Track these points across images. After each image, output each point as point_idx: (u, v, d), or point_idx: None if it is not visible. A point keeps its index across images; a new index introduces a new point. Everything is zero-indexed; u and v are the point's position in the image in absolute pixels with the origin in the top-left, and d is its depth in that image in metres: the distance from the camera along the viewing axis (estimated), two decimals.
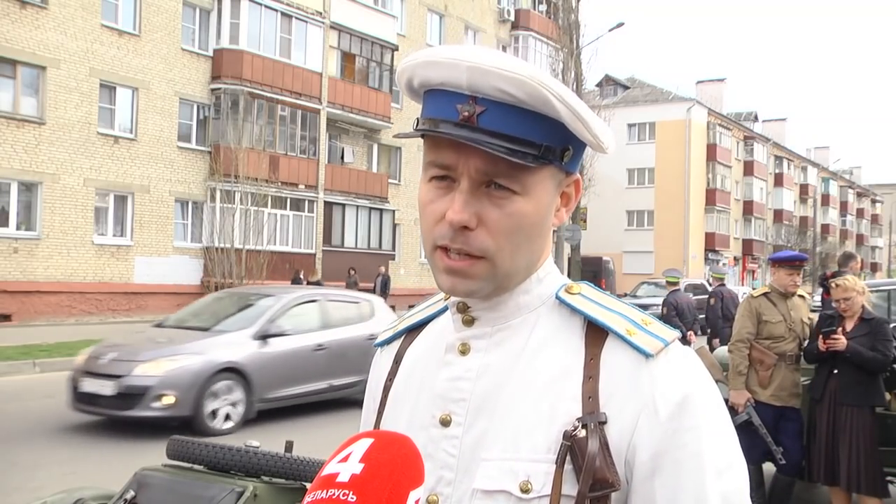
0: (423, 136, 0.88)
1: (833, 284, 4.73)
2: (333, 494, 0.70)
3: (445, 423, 0.89)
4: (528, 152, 0.83)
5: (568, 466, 0.81)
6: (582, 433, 0.81)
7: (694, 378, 0.85)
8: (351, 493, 0.70)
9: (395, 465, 0.73)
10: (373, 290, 21.34)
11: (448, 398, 0.90)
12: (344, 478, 0.71)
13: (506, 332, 0.91)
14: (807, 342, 4.89)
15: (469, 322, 0.93)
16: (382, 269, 22.91)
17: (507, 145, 0.82)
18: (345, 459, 0.73)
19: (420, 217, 0.91)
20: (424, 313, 1.04)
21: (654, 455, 0.81)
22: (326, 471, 0.73)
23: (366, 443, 0.75)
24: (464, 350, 0.92)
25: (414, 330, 1.04)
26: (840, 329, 4.57)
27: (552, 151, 0.86)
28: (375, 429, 0.99)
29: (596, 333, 0.88)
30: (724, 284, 11.15)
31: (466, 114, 0.83)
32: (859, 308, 4.62)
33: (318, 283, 21.23)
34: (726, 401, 4.87)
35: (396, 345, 1.05)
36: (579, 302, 0.90)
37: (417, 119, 0.90)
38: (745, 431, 4.74)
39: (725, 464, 0.82)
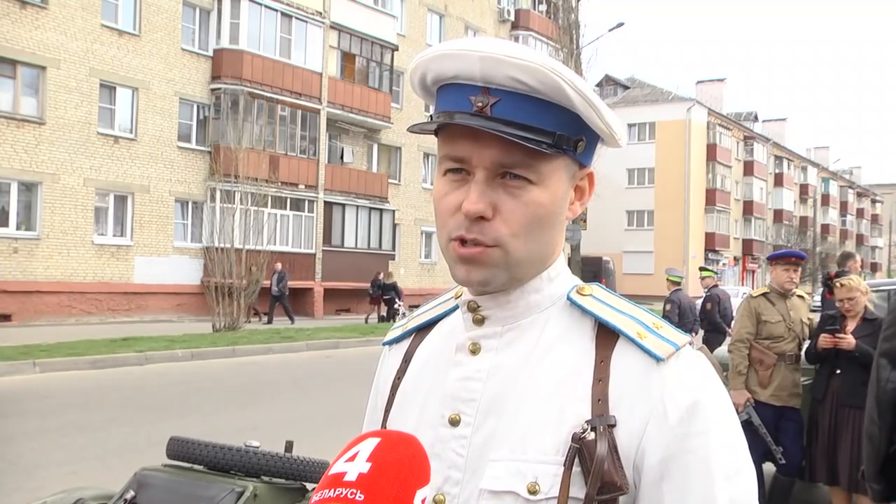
0: (436, 131, 0.89)
1: (837, 284, 4.70)
2: (341, 493, 0.70)
3: (454, 422, 0.89)
4: (543, 140, 0.84)
5: (576, 469, 0.81)
6: (591, 436, 0.81)
7: (704, 383, 0.85)
8: (359, 492, 0.70)
9: (402, 464, 0.73)
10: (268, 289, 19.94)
11: (458, 398, 0.90)
12: (351, 477, 0.71)
13: (516, 332, 0.91)
14: (808, 342, 4.87)
15: (480, 321, 0.92)
16: (279, 265, 20.04)
17: (521, 133, 0.82)
18: (352, 458, 0.73)
19: (435, 211, 0.91)
20: (434, 312, 1.04)
21: (662, 459, 0.81)
22: (334, 470, 0.73)
23: (373, 442, 0.75)
24: (474, 350, 0.91)
25: (423, 329, 1.04)
26: (845, 329, 4.53)
27: (566, 141, 0.86)
28: (383, 427, 0.99)
29: (606, 336, 0.87)
30: (717, 286, 11.00)
31: (480, 104, 0.84)
32: (862, 308, 4.59)
33: (393, 286, 22.08)
34: None
35: (406, 343, 1.04)
36: (590, 303, 0.90)
37: (431, 116, 0.90)
38: (745, 431, 4.74)
39: (734, 469, 0.81)
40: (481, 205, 0.84)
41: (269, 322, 19.82)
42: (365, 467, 0.72)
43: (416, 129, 0.91)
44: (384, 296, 22.37)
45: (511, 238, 0.86)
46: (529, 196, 0.85)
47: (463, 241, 0.86)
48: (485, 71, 0.83)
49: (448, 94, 0.87)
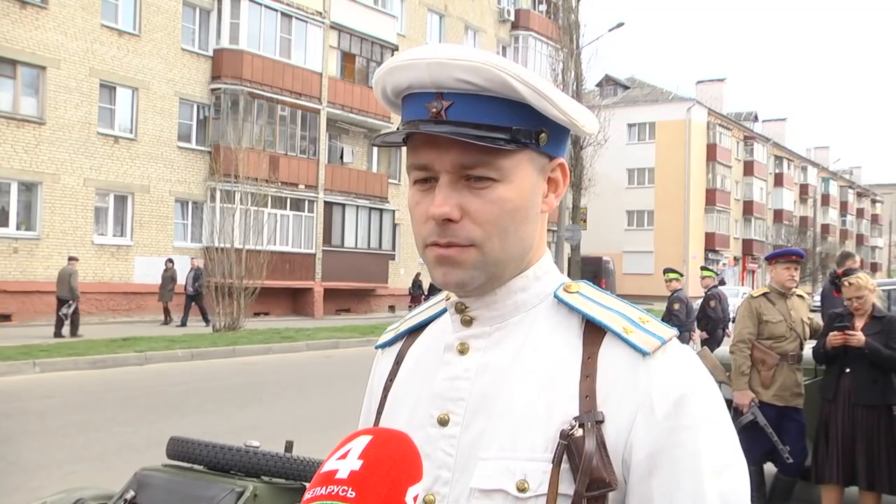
0: (404, 141, 0.89)
1: (846, 283, 4.66)
2: (333, 490, 0.70)
3: (443, 422, 0.89)
4: (499, 136, 0.84)
5: (565, 465, 0.81)
6: (579, 432, 0.81)
7: (691, 376, 0.85)
8: (350, 489, 0.70)
9: (393, 461, 0.73)
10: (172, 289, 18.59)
11: (446, 398, 0.90)
12: (343, 474, 0.71)
13: (504, 332, 0.91)
14: (815, 342, 4.83)
15: (468, 322, 0.93)
16: (195, 260, 18.97)
17: (475, 132, 0.83)
18: (343, 456, 0.74)
19: (411, 221, 0.92)
20: (425, 314, 1.04)
21: (650, 454, 0.81)
22: (326, 467, 0.73)
23: (364, 440, 0.75)
24: (462, 350, 0.92)
25: (415, 331, 1.04)
26: (854, 327, 4.50)
27: (525, 134, 0.86)
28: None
29: (594, 332, 0.88)
30: (716, 286, 10.87)
31: (435, 110, 0.85)
32: (871, 306, 4.56)
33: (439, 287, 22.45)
34: (730, 402, 4.87)
35: (398, 346, 1.05)
36: (577, 301, 0.90)
37: (398, 127, 0.91)
38: (748, 431, 4.73)
39: (723, 463, 0.81)
40: (446, 207, 0.85)
41: (183, 324, 18.35)
42: (356, 464, 0.72)
43: (378, 143, 0.93)
44: (430, 295, 22.87)
45: (485, 238, 0.86)
46: (495, 194, 0.86)
47: (438, 245, 0.87)
48: (433, 77, 0.84)
49: (409, 104, 0.89)
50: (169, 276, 18.63)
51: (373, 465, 0.72)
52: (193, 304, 18.76)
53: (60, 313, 15.03)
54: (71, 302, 15.06)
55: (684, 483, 0.79)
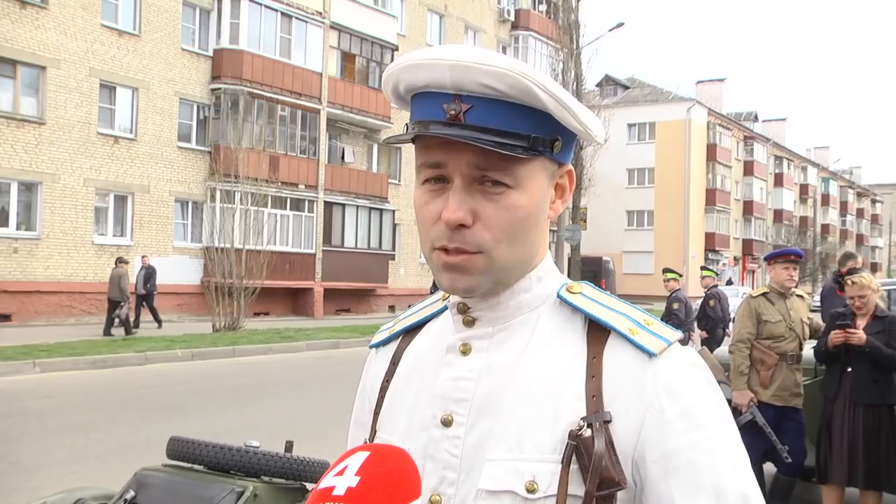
0: (413, 140, 0.89)
1: (849, 282, 4.67)
2: None
3: (447, 423, 0.89)
4: (517, 144, 0.84)
5: (574, 466, 0.81)
6: (588, 432, 0.81)
7: (698, 377, 0.86)
8: None
9: (390, 477, 0.73)
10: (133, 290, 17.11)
11: (449, 398, 0.90)
12: (340, 491, 0.71)
13: (507, 332, 0.91)
14: (815, 342, 4.84)
15: (470, 322, 0.92)
16: (146, 259, 18.12)
17: (495, 139, 0.82)
18: (341, 473, 0.74)
19: (417, 220, 0.91)
20: (422, 314, 1.04)
21: (664, 455, 0.81)
22: (323, 484, 0.74)
23: (362, 456, 0.75)
24: (465, 350, 0.92)
25: (411, 331, 1.03)
26: (856, 326, 4.50)
27: (542, 142, 0.86)
28: (372, 430, 0.99)
29: (598, 332, 0.88)
30: (717, 286, 10.95)
31: (453, 112, 0.83)
32: (873, 306, 4.57)
33: None
34: (729, 401, 4.88)
35: (393, 346, 1.04)
36: (580, 301, 0.90)
37: (407, 125, 0.91)
38: (747, 431, 4.73)
39: (737, 460, 0.82)
40: (461, 213, 0.84)
41: (136, 326, 16.80)
42: (353, 481, 0.72)
43: (392, 141, 0.91)
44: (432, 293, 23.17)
45: (494, 244, 0.86)
46: (508, 200, 0.85)
47: (446, 250, 0.86)
48: (455, 79, 0.83)
49: (421, 102, 0.87)
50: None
51: (370, 482, 0.72)
52: (144, 305, 17.75)
53: (114, 315, 15.60)
54: (122, 303, 15.62)
55: (706, 482, 0.80)
